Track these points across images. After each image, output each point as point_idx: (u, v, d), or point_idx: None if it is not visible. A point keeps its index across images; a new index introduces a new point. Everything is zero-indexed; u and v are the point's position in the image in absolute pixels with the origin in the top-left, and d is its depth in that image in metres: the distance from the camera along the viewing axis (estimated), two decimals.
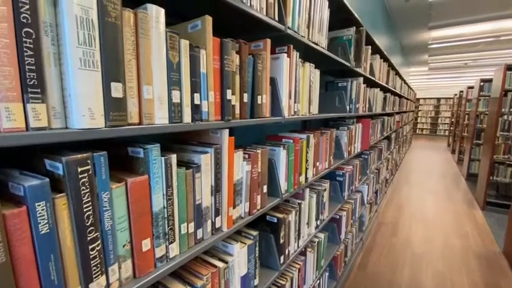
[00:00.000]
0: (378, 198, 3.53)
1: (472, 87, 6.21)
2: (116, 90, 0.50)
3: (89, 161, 0.49)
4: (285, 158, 1.12)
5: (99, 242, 0.51)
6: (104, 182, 0.52)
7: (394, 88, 4.06)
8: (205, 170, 0.75)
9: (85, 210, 0.49)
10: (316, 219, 1.53)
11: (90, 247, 0.50)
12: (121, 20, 0.51)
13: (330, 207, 1.79)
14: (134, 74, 0.55)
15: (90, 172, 0.49)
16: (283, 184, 1.13)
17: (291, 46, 1.09)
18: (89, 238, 0.50)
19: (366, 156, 2.60)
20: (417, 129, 15.07)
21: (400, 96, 5.09)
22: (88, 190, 0.49)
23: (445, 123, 14.28)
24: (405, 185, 4.99)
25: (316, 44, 1.28)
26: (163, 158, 0.62)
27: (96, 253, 0.51)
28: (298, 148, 1.21)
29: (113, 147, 0.68)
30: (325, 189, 1.61)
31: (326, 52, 1.37)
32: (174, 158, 0.65)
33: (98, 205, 0.51)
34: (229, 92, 0.77)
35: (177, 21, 0.77)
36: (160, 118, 0.60)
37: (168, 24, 0.77)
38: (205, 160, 0.74)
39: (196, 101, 0.68)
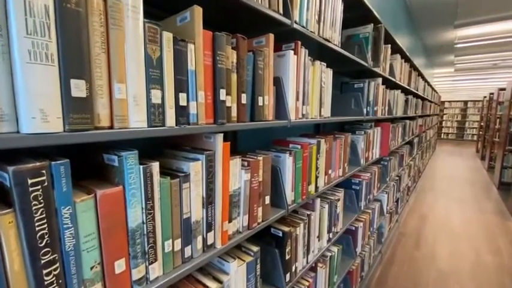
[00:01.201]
0: (399, 207, 3.31)
1: (503, 89, 5.78)
2: (77, 88, 0.43)
3: (43, 171, 0.41)
4: (291, 166, 1.02)
5: (57, 265, 0.44)
6: (64, 195, 0.44)
7: (417, 90, 3.82)
8: (195, 179, 0.66)
9: (38, 228, 0.41)
10: (329, 232, 1.40)
11: (44, 272, 0.42)
12: (85, 7, 0.44)
13: (344, 218, 1.65)
14: (104, 71, 0.47)
15: (45, 184, 0.42)
16: (289, 194, 1.02)
17: (299, 43, 0.99)
18: (43, 261, 0.42)
19: (386, 163, 2.43)
20: (442, 134, 14.31)
21: (423, 99, 4.80)
22: (42, 205, 0.42)
23: (473, 128, 13.44)
24: (429, 193, 4.68)
25: (328, 41, 1.18)
26: (141, 166, 0.55)
27: (54, 278, 0.44)
28: (307, 154, 1.10)
29: (92, 153, 0.61)
30: (338, 199, 1.48)
31: (339, 49, 1.25)
32: (155, 166, 0.57)
33: (57, 222, 0.44)
34: (223, 92, 0.68)
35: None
36: (136, 121, 0.52)
37: (160, 19, 0.70)
38: (195, 168, 0.66)
39: (182, 102, 0.60)
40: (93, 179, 0.58)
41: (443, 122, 14.20)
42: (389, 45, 2.15)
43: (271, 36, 0.85)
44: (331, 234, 1.42)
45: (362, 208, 1.83)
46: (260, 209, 0.87)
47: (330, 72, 1.28)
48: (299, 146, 1.08)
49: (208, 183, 0.69)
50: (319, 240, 1.32)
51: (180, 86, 0.59)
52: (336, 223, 1.48)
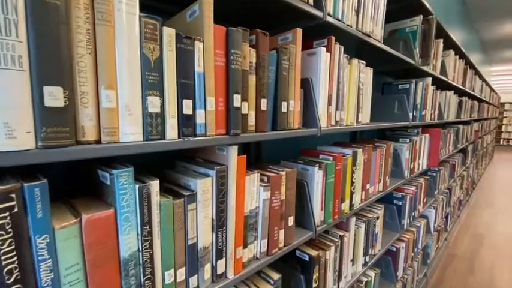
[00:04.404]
0: (449, 224, 2.92)
1: None
2: (52, 97, 0.36)
3: (13, 195, 0.35)
4: (321, 181, 0.88)
5: None
6: (40, 222, 0.38)
7: (473, 91, 3.36)
8: (204, 199, 0.57)
9: (5, 262, 0.35)
10: (365, 255, 1.23)
11: None
12: (64, 0, 0.37)
13: (384, 238, 1.45)
14: (90, 75, 0.40)
15: (15, 210, 0.35)
16: (318, 214, 0.89)
17: (332, 38, 0.85)
18: None
19: (434, 174, 2.13)
20: (501, 140, 12.63)
21: (480, 101, 4.24)
22: (10, 235, 0.35)
23: None
24: (485, 209, 4.10)
25: (368, 36, 1.02)
26: (137, 185, 0.47)
27: None
28: (340, 167, 0.96)
29: (93, 167, 0.55)
30: (377, 217, 1.30)
31: (381, 45, 1.08)
32: (154, 185, 0.49)
33: (30, 254, 0.37)
34: (237, 97, 0.58)
35: None
36: (129, 134, 0.44)
37: (172, 15, 0.63)
38: (203, 186, 0.57)
39: (187, 111, 0.51)
40: (89, 198, 0.51)
41: (503, 127, 12.54)
42: (441, 40, 1.88)
43: (299, 31, 0.73)
44: (367, 257, 1.25)
45: (405, 226, 1.60)
46: (282, 232, 0.75)
47: (370, 72, 1.11)
48: (331, 158, 0.94)
49: (219, 204, 0.60)
50: (353, 265, 1.15)
51: (185, 91, 0.50)
52: (373, 244, 1.29)
